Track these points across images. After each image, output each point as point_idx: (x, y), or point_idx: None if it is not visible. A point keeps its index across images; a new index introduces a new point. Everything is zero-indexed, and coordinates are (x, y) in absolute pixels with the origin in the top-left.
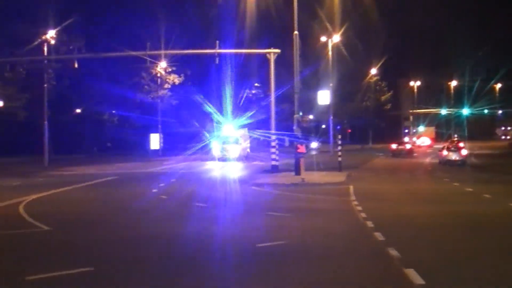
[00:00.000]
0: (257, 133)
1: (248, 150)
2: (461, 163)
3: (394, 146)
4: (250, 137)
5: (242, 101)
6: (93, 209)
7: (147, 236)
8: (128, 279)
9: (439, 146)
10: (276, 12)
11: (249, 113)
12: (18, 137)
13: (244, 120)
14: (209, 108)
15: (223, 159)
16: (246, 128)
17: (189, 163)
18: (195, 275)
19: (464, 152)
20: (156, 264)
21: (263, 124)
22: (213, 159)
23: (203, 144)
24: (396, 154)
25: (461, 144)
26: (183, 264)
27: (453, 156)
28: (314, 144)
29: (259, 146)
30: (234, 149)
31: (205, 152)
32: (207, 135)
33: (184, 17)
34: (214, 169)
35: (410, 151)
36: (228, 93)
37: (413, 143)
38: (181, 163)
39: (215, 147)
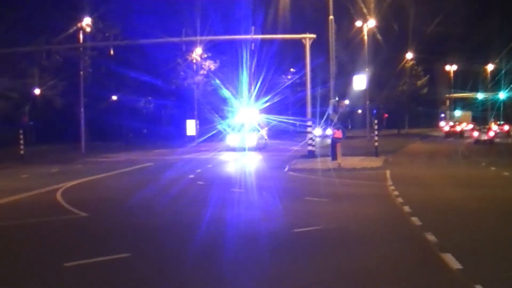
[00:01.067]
0: (276, 119)
1: (266, 138)
2: (489, 143)
3: (446, 128)
4: (269, 124)
5: (277, 88)
6: (130, 195)
7: (184, 222)
8: (165, 264)
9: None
10: None
11: (269, 98)
12: (55, 125)
13: (263, 104)
14: (229, 94)
15: (238, 148)
16: (263, 114)
17: (195, 154)
18: (232, 260)
19: (492, 133)
20: (193, 249)
21: (283, 108)
22: (227, 148)
23: (216, 131)
24: (448, 136)
25: (495, 127)
26: (220, 250)
27: (482, 137)
28: (317, 131)
29: (277, 134)
30: (251, 138)
31: (218, 140)
32: (221, 121)
33: (219, 3)
34: (241, 158)
35: (461, 133)
36: (260, 79)
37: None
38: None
39: (230, 135)
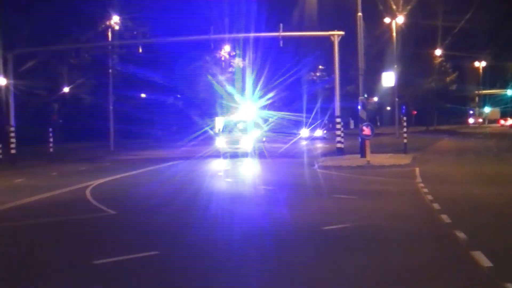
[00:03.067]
0: (283, 116)
1: (264, 140)
2: None
3: (502, 122)
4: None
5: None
6: (158, 193)
7: (213, 219)
8: (193, 262)
9: None
10: None
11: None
12: (84, 123)
13: (265, 100)
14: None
15: (230, 154)
16: (264, 111)
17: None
18: (260, 258)
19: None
20: (222, 246)
21: (291, 104)
22: (216, 154)
23: (201, 132)
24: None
25: None
26: (249, 247)
27: None
28: (318, 132)
29: (279, 134)
30: (245, 141)
31: (204, 143)
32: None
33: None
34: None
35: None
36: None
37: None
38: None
39: (220, 137)
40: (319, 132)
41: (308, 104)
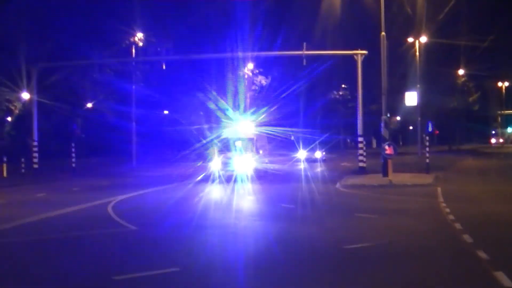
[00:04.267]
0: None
1: (267, 160)
2: None
3: None
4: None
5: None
6: (180, 209)
7: (233, 236)
8: (213, 280)
9: None
10: (362, 12)
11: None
12: (106, 138)
13: (261, 115)
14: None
15: (229, 177)
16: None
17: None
18: (282, 276)
19: None
20: (242, 264)
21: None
22: (211, 177)
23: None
24: None
25: None
26: (270, 265)
27: None
28: (318, 154)
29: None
30: (246, 162)
31: (194, 161)
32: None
33: (269, 18)
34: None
35: None
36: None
37: None
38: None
39: (215, 158)
40: (318, 154)
41: (325, 121)
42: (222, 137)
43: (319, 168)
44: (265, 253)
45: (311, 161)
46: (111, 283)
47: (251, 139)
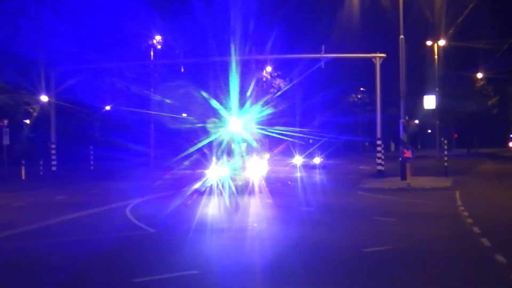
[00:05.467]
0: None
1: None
2: None
3: None
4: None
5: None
6: (198, 211)
7: (253, 240)
8: (233, 282)
9: None
10: (381, 14)
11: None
12: (125, 141)
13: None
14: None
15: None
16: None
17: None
18: (301, 279)
19: None
20: (261, 268)
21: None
22: (209, 189)
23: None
24: None
25: None
26: (292, 268)
27: None
28: (298, 160)
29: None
30: (256, 166)
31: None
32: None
33: (288, 20)
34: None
35: None
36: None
37: None
38: None
39: (213, 166)
40: (317, 160)
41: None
42: (235, 139)
43: (333, 173)
44: (285, 257)
45: (326, 166)
46: (131, 286)
47: (263, 141)
